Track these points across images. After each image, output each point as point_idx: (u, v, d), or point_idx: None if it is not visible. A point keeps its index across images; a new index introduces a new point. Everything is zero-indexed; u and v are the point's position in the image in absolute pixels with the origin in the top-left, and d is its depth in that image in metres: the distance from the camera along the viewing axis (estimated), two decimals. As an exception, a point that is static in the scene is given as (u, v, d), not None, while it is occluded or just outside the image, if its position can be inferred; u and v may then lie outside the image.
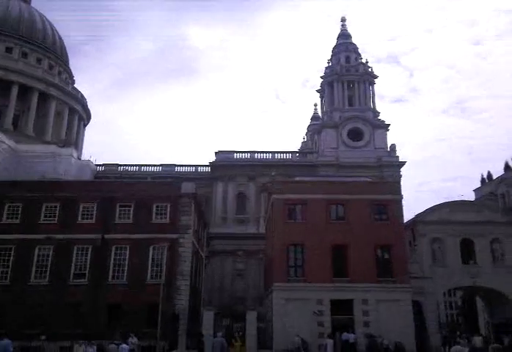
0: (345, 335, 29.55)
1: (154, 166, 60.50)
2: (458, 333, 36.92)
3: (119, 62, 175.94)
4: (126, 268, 33.56)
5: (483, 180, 55.42)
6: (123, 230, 34.26)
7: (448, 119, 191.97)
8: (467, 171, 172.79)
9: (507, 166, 51.02)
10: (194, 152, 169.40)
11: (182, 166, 61.11)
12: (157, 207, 35.78)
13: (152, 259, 33.92)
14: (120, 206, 35.30)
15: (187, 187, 37.16)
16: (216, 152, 59.69)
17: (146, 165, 60.75)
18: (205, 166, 60.66)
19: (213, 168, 58.84)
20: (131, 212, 35.21)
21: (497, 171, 52.90)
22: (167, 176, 53.35)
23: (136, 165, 60.85)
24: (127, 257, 33.84)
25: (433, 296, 36.10)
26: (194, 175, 58.53)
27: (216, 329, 30.46)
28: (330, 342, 28.17)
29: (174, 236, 34.65)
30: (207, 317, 30.98)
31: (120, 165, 60.95)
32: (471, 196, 54.89)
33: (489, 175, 54.75)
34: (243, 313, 31.91)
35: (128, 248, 33.99)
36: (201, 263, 42.96)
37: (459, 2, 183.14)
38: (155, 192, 36.36)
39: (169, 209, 35.75)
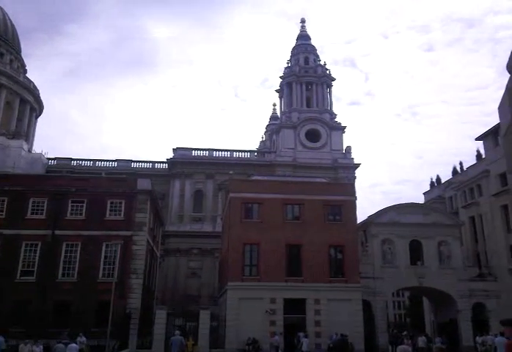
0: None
1: (109, 161, 59.18)
2: (405, 332, 38.15)
3: (72, 52, 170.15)
4: (77, 266, 32.62)
5: (432, 184, 57.73)
6: (75, 226, 33.33)
7: (401, 123, 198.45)
8: (418, 174, 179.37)
9: (455, 171, 53.39)
10: (151, 148, 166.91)
11: (138, 162, 60.11)
12: (111, 203, 34.97)
13: (105, 256, 33.16)
14: (72, 202, 34.28)
15: (143, 183, 36.51)
16: (174, 149, 59.10)
17: (100, 160, 59.36)
18: (163, 162, 59.95)
19: (171, 165, 58.21)
20: (84, 208, 34.25)
21: (446, 175, 55.34)
22: (123, 172, 52.33)
23: (90, 160, 59.34)
24: (78, 254, 32.91)
25: (382, 296, 37.18)
26: (151, 172, 57.77)
27: (168, 329, 30.26)
28: (306, 340, 28.71)
29: (128, 233, 33.99)
30: (160, 316, 30.64)
31: (73, 159, 59.28)
32: (421, 199, 57.17)
33: (438, 179, 57.13)
34: (196, 312, 31.74)
35: (80, 245, 33.06)
36: (155, 261, 42.42)
37: (413, 9, 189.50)
38: (109, 188, 35.46)
39: (123, 206, 35.00)
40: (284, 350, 30.30)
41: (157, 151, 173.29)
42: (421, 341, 29.40)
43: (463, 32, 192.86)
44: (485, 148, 44.83)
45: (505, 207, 40.61)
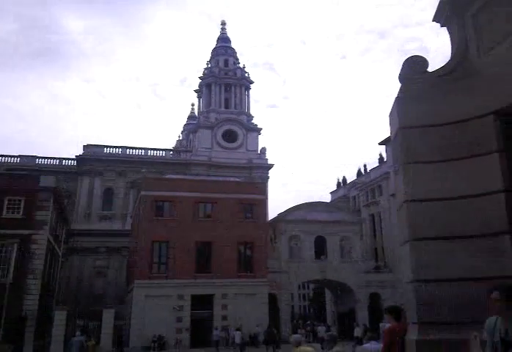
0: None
1: (10, 156, 55.29)
2: (308, 322, 39.90)
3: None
4: (-33, 266, 30.23)
5: (338, 184, 60.90)
6: (-34, 225, 30.87)
7: (314, 127, 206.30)
8: (328, 174, 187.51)
9: (359, 172, 56.75)
10: (62, 145, 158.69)
11: (44, 158, 56.82)
12: (9, 201, 32.87)
13: (0, 256, 31.10)
14: (-36, 199, 31.76)
15: (46, 180, 34.72)
16: (84, 146, 56.71)
17: (1, 155, 55.27)
18: (71, 159, 57.24)
19: (80, 162, 55.79)
20: (-24, 205, 31.87)
21: (352, 177, 58.63)
22: (26, 168, 49.32)
23: (-13, 154, 55.07)
24: (-31, 254, 30.52)
25: (287, 289, 38.66)
26: (58, 168, 54.92)
27: (69, 330, 29.08)
28: (238, 333, 29.39)
29: (26, 232, 32.15)
30: (59, 317, 29.36)
31: (-30, 154, 54.73)
32: (329, 198, 60.05)
33: (344, 180, 60.41)
34: (100, 312, 30.82)
35: (-28, 245, 30.66)
36: (57, 261, 40.50)
37: (329, 17, 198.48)
38: (7, 185, 33.32)
39: (23, 203, 33.07)
40: (191, 345, 30.39)
41: (68, 148, 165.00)
42: (321, 330, 30.86)
43: (374, 42, 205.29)
44: (386, 152, 48.11)
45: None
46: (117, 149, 58.06)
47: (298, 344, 8.03)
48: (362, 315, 38.67)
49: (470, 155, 5.22)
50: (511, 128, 5.15)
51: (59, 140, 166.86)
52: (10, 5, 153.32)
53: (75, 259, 49.51)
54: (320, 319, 46.41)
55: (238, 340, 28.97)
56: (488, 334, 3.96)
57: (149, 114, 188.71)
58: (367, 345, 7.98)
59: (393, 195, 44.72)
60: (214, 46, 72.44)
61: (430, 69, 5.97)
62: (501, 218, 4.88)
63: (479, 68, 5.49)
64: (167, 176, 44.17)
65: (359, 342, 26.88)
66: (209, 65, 70.55)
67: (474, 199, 5.07)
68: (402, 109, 5.79)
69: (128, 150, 58.36)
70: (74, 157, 56.24)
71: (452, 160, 5.29)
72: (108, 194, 54.74)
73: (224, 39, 72.70)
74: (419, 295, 5.11)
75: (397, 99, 5.91)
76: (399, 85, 5.92)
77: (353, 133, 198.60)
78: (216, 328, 30.65)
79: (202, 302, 32.91)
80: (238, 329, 30.21)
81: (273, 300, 36.45)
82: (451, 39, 6.09)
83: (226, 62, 70.11)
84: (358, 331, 29.53)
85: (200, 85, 69.92)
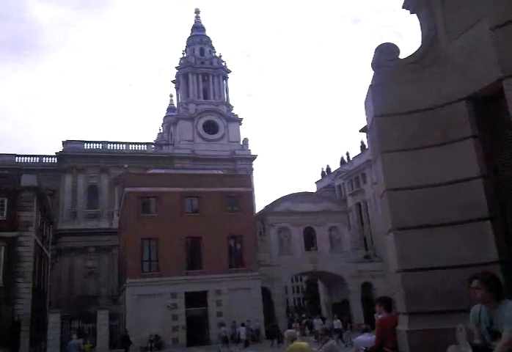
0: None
1: (-11, 155, 53.80)
2: (303, 315, 40.20)
3: None
4: (-47, 272, 29.52)
5: (323, 173, 61.16)
6: None
7: (294, 115, 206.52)
8: (311, 164, 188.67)
9: (342, 161, 57.01)
10: (40, 141, 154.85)
11: (24, 156, 55.41)
12: (-9, 202, 32.10)
13: (-13, 260, 30.44)
14: None
15: (28, 179, 33.88)
16: (63, 142, 55.43)
17: (-21, 155, 53.71)
18: (52, 156, 55.95)
19: (61, 159, 54.55)
20: (-42, 208, 31.02)
21: (336, 165, 58.93)
22: (6, 167, 47.98)
23: (-35, 154, 53.41)
24: (-47, 260, 29.78)
25: (280, 282, 38.89)
26: (39, 166, 53.61)
27: (64, 332, 28.80)
28: (243, 329, 29.60)
29: (12, 234, 31.47)
30: (53, 320, 29.12)
31: None
32: (314, 188, 60.34)
33: (328, 169, 60.61)
34: (94, 313, 30.57)
35: (-45, 250, 29.91)
36: (46, 263, 39.85)
37: (306, 5, 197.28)
38: (-12, 185, 32.45)
39: (6, 204, 32.27)
40: (188, 343, 30.50)
41: (47, 145, 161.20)
42: (317, 324, 31.11)
43: (349, 29, 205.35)
44: (367, 139, 48.36)
45: (386, 194, 44.41)
46: (98, 145, 57.00)
47: (293, 339, 8.13)
48: (356, 306, 39.24)
49: (445, 141, 5.23)
50: (483, 113, 5.18)
51: (34, 136, 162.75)
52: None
53: (64, 260, 48.76)
54: (315, 311, 46.86)
55: (243, 336, 29.20)
56: (474, 324, 4.01)
57: (126, 107, 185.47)
58: (361, 337, 8.12)
59: (376, 183, 45.26)
60: (189, 35, 71.32)
61: (406, 55, 5.91)
62: (480, 205, 4.91)
63: (449, 54, 5.49)
64: (151, 171, 43.65)
65: (341, 335, 27.49)
66: (185, 55, 69.45)
67: (451, 186, 5.09)
68: (375, 97, 5.78)
69: (108, 145, 57.37)
70: (54, 154, 55.04)
71: (427, 147, 5.30)
72: (93, 192, 53.82)
73: (198, 28, 71.56)
74: (406, 285, 5.14)
75: (371, 87, 5.91)
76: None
77: (334, 120, 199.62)
78: (223, 324, 30.77)
79: (196, 299, 32.92)
80: (242, 325, 30.44)
81: (266, 294, 36.68)
82: (421, 26, 6.07)
83: (202, 51, 69.13)
84: (338, 324, 29.98)
85: (177, 75, 68.90)
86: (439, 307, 4.90)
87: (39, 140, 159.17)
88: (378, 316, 7.08)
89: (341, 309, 39.87)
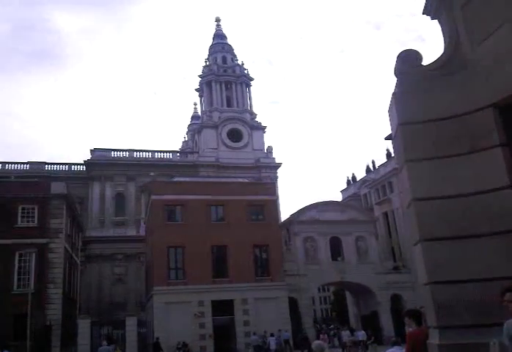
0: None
1: (20, 163, 55.14)
2: (331, 326, 39.61)
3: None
4: (-13, 278, 30.24)
5: (348, 182, 60.69)
6: (-18, 236, 30.85)
7: (318, 123, 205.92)
8: (337, 172, 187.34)
9: (368, 169, 56.50)
10: (68, 149, 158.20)
11: (53, 164, 56.71)
12: (23, 209, 32.88)
13: (19, 266, 31.16)
14: (-21, 209, 31.72)
15: (57, 187, 34.71)
16: (91, 150, 56.48)
17: (10, 162, 55.04)
18: (80, 164, 57.07)
19: (89, 167, 55.58)
20: (-9, 215, 31.83)
21: (361, 174, 58.46)
22: (36, 175, 49.14)
23: (-3, 162, 54.92)
24: (-13, 266, 30.52)
25: (307, 293, 38.43)
26: (67, 174, 54.76)
27: (94, 338, 29.13)
28: (272, 339, 29.52)
29: (43, 241, 32.14)
30: (83, 326, 29.47)
31: (-21, 162, 54.54)
32: (340, 197, 59.92)
33: (353, 177, 60.14)
34: (123, 320, 30.83)
35: (-12, 256, 30.67)
36: (76, 269, 40.55)
37: (327, 12, 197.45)
38: (20, 193, 33.29)
39: (36, 211, 33.05)
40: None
41: (74, 152, 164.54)
42: (345, 335, 30.60)
43: (371, 35, 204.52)
44: (393, 147, 47.70)
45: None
46: (124, 153, 57.88)
47: (322, 350, 8.00)
48: (386, 318, 38.39)
49: (471, 150, 5.09)
50: (511, 120, 5.02)
51: (63, 145, 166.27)
52: (1, 6, 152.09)
53: (93, 266, 49.50)
54: (343, 322, 46.00)
55: (273, 346, 29.05)
56: (507, 339, 3.87)
57: (152, 115, 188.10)
58: (391, 350, 7.97)
59: (402, 192, 44.59)
60: (211, 43, 72.01)
61: (429, 61, 5.82)
62: (510, 216, 4.76)
63: (473, 60, 5.38)
64: (176, 179, 44.03)
65: (366, 346, 26.96)
66: (207, 63, 70.10)
67: (479, 196, 4.95)
68: (399, 105, 5.69)
69: (135, 153, 58.22)
70: (82, 162, 56.12)
71: (454, 156, 5.18)
72: (120, 199, 54.60)
73: (219, 36, 72.13)
74: (436, 298, 4.99)
75: (394, 95, 5.82)
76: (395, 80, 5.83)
77: (359, 127, 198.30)
78: (254, 334, 30.58)
79: (222, 308, 32.89)
80: (272, 334, 30.30)
81: (293, 304, 36.36)
82: (442, 32, 5.98)
83: (224, 59, 69.69)
84: (362, 335, 29.26)
85: (200, 84, 69.54)
86: (471, 321, 4.77)
87: (68, 148, 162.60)
88: (409, 329, 6.97)
89: (370, 321, 39.01)
